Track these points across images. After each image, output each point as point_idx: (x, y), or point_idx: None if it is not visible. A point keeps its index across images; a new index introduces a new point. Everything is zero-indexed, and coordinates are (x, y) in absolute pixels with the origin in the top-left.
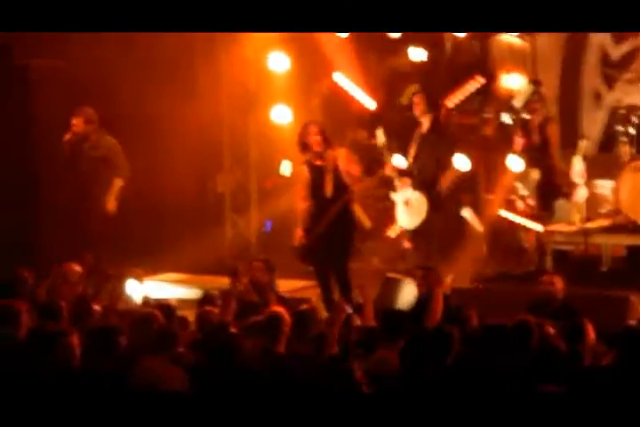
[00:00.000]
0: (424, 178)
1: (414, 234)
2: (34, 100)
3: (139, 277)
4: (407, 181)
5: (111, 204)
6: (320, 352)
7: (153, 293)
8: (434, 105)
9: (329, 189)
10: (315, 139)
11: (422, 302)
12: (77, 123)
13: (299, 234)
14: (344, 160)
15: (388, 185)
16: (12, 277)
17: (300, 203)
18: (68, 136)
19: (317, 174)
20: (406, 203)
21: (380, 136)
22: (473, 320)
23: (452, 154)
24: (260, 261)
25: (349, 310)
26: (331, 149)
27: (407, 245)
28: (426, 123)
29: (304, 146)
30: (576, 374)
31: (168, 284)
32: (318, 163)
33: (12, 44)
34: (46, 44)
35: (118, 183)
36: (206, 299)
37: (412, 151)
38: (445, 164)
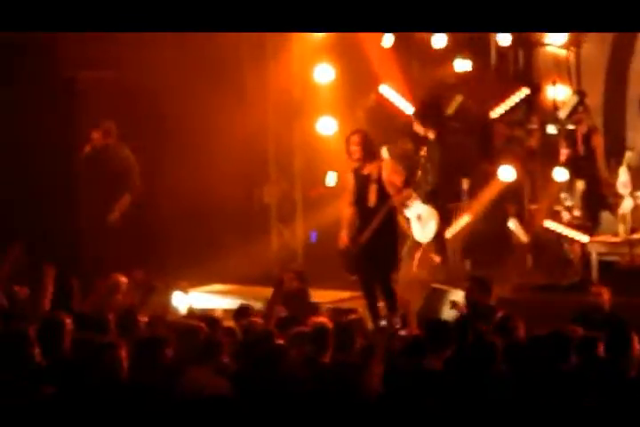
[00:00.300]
0: (431, 189)
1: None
2: (81, 112)
3: (184, 289)
4: (413, 195)
5: (113, 217)
6: (367, 363)
7: (199, 304)
8: (435, 122)
9: (372, 199)
10: (353, 149)
11: (468, 313)
12: (97, 136)
13: (343, 237)
14: (388, 170)
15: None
16: (60, 288)
17: (345, 208)
18: (87, 149)
19: (362, 183)
20: (418, 218)
21: (385, 153)
22: (520, 331)
23: (459, 166)
24: (292, 271)
25: (398, 324)
26: (376, 158)
27: (437, 259)
28: (431, 136)
29: (347, 152)
30: (620, 385)
31: (214, 295)
32: (364, 172)
33: (59, 55)
34: (93, 55)
35: (127, 198)
36: (241, 310)
37: (421, 164)
38: (452, 175)
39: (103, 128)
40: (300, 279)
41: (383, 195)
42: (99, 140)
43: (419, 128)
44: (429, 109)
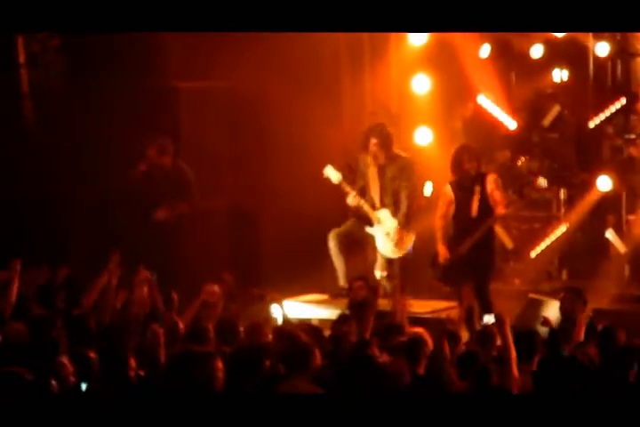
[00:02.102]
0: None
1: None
2: (184, 122)
3: (280, 299)
4: (384, 213)
5: (162, 213)
6: (467, 371)
7: (295, 314)
8: (389, 144)
9: (474, 210)
10: (472, 165)
11: (564, 324)
12: (152, 153)
13: (442, 251)
14: (492, 184)
15: (534, 207)
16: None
17: (438, 220)
18: (142, 167)
19: (464, 195)
20: (387, 234)
21: (332, 173)
22: (620, 342)
23: (410, 186)
24: (360, 280)
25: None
26: (481, 171)
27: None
28: (380, 157)
29: (458, 168)
30: None
31: (310, 305)
32: (465, 184)
33: (161, 66)
34: (195, 65)
35: (183, 206)
36: (342, 319)
37: (375, 184)
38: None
39: (157, 146)
40: (368, 288)
41: (485, 207)
42: (155, 159)
43: (378, 157)
44: (388, 136)
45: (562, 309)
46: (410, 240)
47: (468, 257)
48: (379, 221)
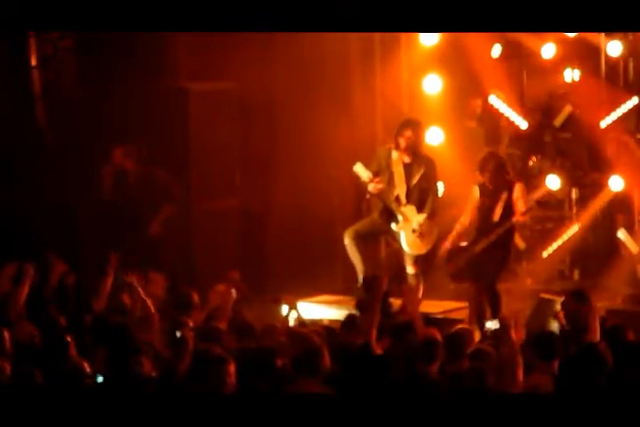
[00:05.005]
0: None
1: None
2: (193, 123)
3: (292, 300)
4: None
5: (154, 227)
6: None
7: (306, 314)
8: (421, 140)
9: (497, 214)
10: (500, 173)
11: (570, 326)
12: (117, 157)
13: (445, 246)
14: (518, 192)
15: (546, 207)
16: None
17: (459, 226)
18: (108, 169)
19: (488, 200)
20: (414, 231)
21: (362, 170)
22: (629, 339)
23: (434, 183)
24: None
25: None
26: (508, 176)
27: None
28: (409, 154)
29: (490, 173)
30: None
31: (321, 305)
32: (492, 188)
33: (172, 66)
34: (205, 66)
35: (167, 209)
36: (349, 320)
37: (402, 181)
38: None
39: (124, 148)
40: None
41: (508, 213)
42: (120, 162)
43: (407, 140)
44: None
45: (565, 312)
46: (434, 237)
47: (482, 256)
48: (406, 218)
